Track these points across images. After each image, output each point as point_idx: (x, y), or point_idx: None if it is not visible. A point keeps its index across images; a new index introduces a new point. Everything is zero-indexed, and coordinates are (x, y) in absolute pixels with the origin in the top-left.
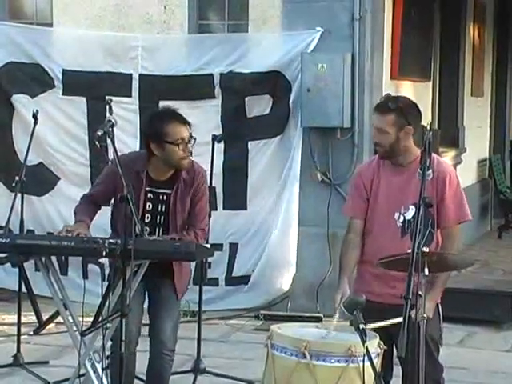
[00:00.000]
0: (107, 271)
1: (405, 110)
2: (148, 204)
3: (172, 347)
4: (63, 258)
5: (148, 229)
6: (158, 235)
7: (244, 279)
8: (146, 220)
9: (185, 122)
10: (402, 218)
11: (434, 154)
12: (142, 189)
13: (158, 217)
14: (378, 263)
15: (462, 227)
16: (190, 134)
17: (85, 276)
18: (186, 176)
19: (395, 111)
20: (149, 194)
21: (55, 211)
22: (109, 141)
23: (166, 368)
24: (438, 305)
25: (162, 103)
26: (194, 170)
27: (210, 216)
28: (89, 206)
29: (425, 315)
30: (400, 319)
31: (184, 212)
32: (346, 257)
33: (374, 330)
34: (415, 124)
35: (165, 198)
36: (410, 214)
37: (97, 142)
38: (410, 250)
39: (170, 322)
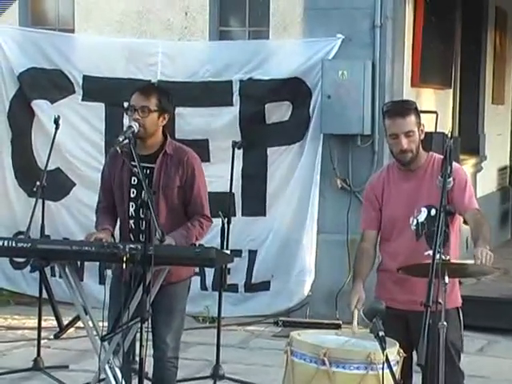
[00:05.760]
0: None
1: (417, 108)
2: (133, 178)
3: (173, 354)
4: (79, 263)
5: (134, 205)
6: (143, 212)
7: (263, 285)
8: (132, 195)
9: (144, 93)
10: (415, 222)
11: (436, 154)
12: (127, 164)
13: (143, 192)
14: (399, 271)
15: None
16: (146, 106)
17: (102, 281)
18: (173, 152)
19: (413, 110)
20: (134, 169)
21: (70, 216)
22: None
23: (169, 374)
24: (458, 311)
25: (180, 109)
26: (185, 150)
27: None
28: (105, 215)
29: (445, 323)
30: None
31: (171, 189)
32: (359, 264)
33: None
34: None
35: (148, 171)
36: (422, 217)
37: (118, 148)
38: (429, 252)
39: (168, 329)
